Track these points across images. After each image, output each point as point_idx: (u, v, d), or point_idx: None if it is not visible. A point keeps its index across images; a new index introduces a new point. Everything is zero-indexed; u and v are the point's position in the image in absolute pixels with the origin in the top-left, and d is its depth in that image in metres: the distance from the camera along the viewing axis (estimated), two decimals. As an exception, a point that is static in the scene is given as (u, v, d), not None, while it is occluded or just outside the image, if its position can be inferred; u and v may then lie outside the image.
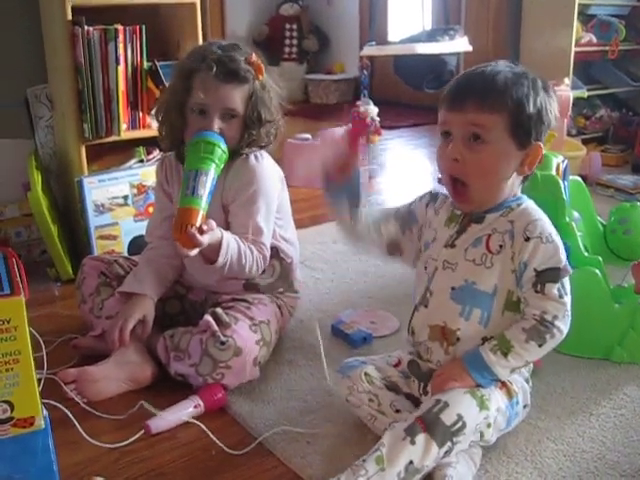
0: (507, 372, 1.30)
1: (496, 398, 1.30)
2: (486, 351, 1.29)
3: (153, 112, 2.30)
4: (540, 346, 1.28)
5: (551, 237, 1.29)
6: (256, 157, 1.70)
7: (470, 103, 1.26)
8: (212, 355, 1.52)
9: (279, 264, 1.77)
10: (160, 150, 2.47)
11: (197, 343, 1.54)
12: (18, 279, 1.04)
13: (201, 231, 1.47)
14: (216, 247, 1.54)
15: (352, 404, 1.43)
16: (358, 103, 4.02)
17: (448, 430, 1.21)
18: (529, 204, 1.35)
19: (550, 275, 1.27)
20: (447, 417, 1.22)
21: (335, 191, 1.42)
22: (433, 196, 1.45)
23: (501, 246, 1.30)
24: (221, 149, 1.57)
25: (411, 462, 1.19)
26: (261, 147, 1.71)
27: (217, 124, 1.60)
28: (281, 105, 1.71)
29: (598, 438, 1.43)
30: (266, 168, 1.72)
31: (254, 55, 1.66)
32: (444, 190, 1.40)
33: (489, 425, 1.28)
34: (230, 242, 1.57)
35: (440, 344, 1.36)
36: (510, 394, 1.34)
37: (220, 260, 1.55)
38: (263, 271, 1.70)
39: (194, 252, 1.48)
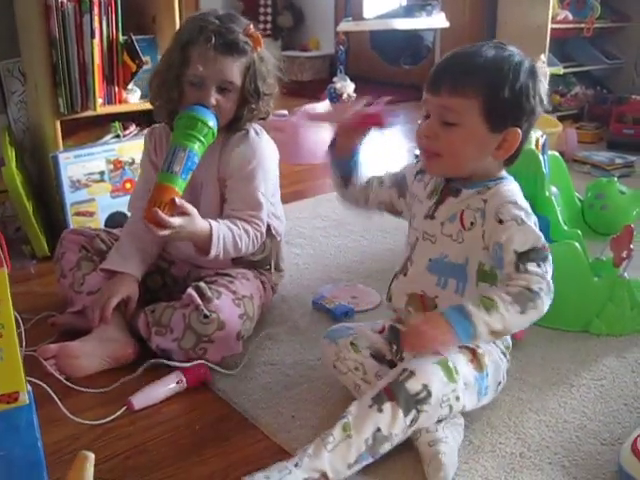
0: (486, 332, 1.19)
1: (464, 372, 1.30)
2: (468, 304, 1.21)
3: (132, 86, 2.29)
4: (521, 313, 1.20)
5: (525, 218, 1.27)
6: (256, 132, 1.69)
7: (444, 87, 1.28)
8: (195, 329, 1.51)
9: (270, 242, 1.77)
10: (137, 125, 2.44)
11: (180, 317, 1.53)
12: (-1, 252, 1.02)
13: (172, 206, 1.46)
14: (205, 239, 1.53)
15: (339, 370, 1.44)
16: (335, 79, 4.01)
17: (412, 398, 1.22)
18: (505, 185, 1.34)
19: (531, 255, 1.26)
20: (412, 386, 1.22)
21: (336, 162, 1.51)
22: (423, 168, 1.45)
23: (472, 223, 1.32)
24: (206, 125, 1.53)
25: (379, 429, 1.20)
26: (260, 119, 1.70)
27: (214, 97, 1.57)
28: (279, 77, 1.69)
29: (579, 408, 1.45)
30: (266, 143, 1.70)
31: (252, 26, 1.62)
32: None
33: (457, 398, 1.28)
34: (221, 232, 1.56)
35: (419, 310, 1.38)
36: (480, 367, 1.33)
37: (212, 252, 1.55)
38: None
39: (163, 232, 1.46)
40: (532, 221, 1.29)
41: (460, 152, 1.30)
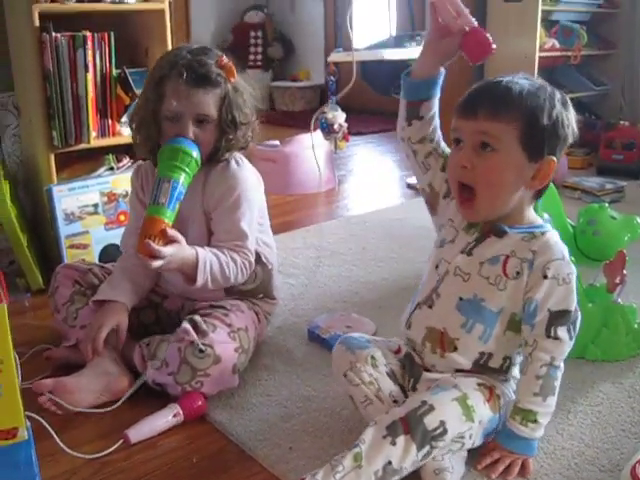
0: (543, 431, 1.34)
1: (481, 413, 1.29)
2: (517, 428, 1.31)
3: (125, 119, 2.31)
4: (554, 394, 1.32)
5: (568, 278, 1.29)
6: (237, 162, 1.70)
7: (482, 111, 1.25)
8: (191, 363, 1.50)
9: (261, 270, 1.76)
10: (130, 158, 2.45)
11: (175, 351, 1.52)
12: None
13: (163, 237, 1.47)
14: (192, 266, 1.54)
15: (349, 380, 1.38)
16: (325, 109, 4.03)
17: (429, 434, 1.20)
18: (553, 236, 1.33)
19: (564, 318, 1.29)
20: (430, 421, 1.21)
21: (410, 83, 1.38)
22: None
23: (518, 273, 1.30)
24: (188, 155, 1.55)
25: (390, 462, 1.19)
26: (240, 149, 1.70)
27: (191, 130, 1.58)
28: (256, 106, 1.70)
29: (577, 435, 1.44)
30: (248, 172, 1.71)
31: (224, 58, 1.63)
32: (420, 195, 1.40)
33: (471, 436, 1.28)
34: (208, 259, 1.56)
35: (435, 348, 1.36)
36: (495, 408, 1.33)
37: (200, 279, 1.55)
38: None
39: (157, 263, 1.47)
40: (574, 281, 1.30)
41: (497, 181, 1.27)
